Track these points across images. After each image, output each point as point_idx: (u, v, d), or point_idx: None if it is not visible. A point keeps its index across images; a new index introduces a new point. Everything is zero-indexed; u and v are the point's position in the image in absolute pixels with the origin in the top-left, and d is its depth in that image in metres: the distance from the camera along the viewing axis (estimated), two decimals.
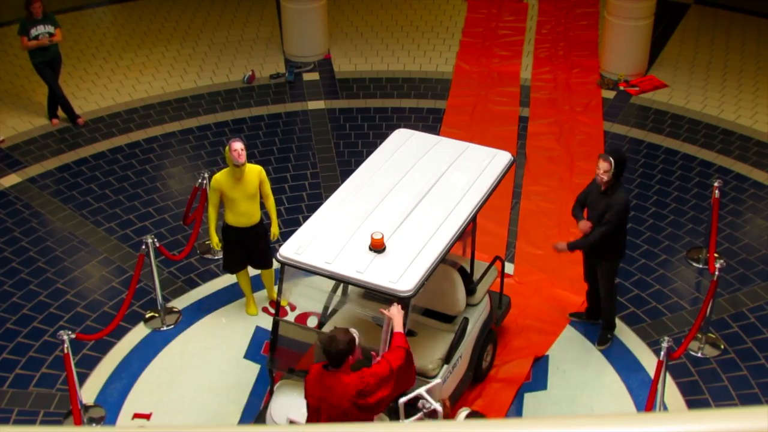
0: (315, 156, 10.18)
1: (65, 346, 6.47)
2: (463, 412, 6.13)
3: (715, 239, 8.07)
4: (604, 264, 7.17)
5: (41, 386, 7.29)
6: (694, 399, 7.09)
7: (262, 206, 7.51)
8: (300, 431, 6.02)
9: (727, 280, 8.14)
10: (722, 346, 7.56)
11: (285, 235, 7.79)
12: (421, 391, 5.70)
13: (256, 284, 8.10)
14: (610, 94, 11.33)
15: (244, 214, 7.35)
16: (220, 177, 7.27)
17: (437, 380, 5.94)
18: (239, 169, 7.16)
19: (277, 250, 5.98)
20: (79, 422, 6.64)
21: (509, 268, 8.34)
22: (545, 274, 8.33)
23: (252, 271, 7.99)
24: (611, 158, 6.81)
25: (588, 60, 12.04)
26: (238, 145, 7.07)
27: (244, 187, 7.25)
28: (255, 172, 7.30)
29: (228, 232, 7.48)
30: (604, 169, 6.82)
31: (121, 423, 6.91)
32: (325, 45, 12.40)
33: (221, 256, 8.60)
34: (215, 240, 7.57)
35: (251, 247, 7.56)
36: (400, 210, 6.22)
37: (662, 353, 6.37)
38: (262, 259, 7.69)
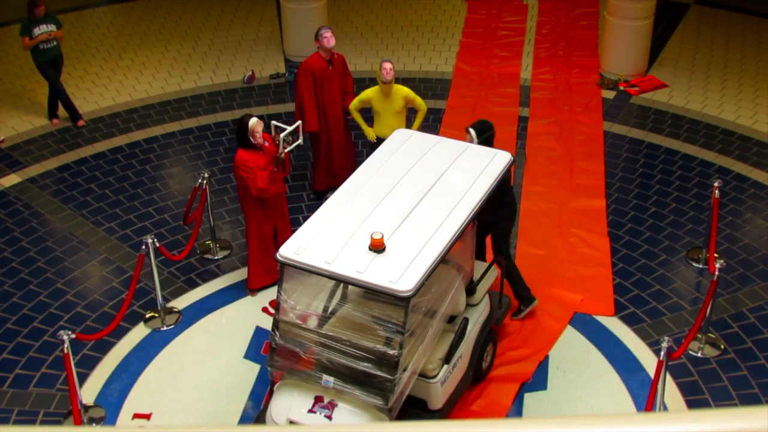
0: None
1: (65, 346, 6.47)
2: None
3: (715, 239, 8.06)
4: (494, 228, 7.39)
5: (41, 386, 7.29)
6: (694, 399, 7.09)
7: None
8: (300, 431, 6.03)
9: (727, 280, 8.14)
10: (722, 346, 7.56)
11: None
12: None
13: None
14: (610, 94, 11.33)
15: (390, 127, 7.98)
16: (370, 91, 8.40)
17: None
18: (386, 86, 8.19)
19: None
20: (79, 422, 6.64)
21: None
22: (545, 274, 8.33)
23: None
24: (472, 130, 7.27)
25: (588, 60, 12.04)
26: (387, 65, 8.11)
27: (390, 103, 8.27)
28: (402, 93, 8.29)
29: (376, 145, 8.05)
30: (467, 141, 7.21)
31: (121, 423, 6.90)
32: None
33: (221, 256, 8.62)
34: (370, 132, 8.59)
35: None
36: (400, 210, 6.21)
37: (662, 353, 6.37)
38: None
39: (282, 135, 7.42)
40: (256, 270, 8.04)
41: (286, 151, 7.48)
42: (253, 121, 7.38)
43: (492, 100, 11.19)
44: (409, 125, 8.40)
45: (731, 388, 7.17)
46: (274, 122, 7.68)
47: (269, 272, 8.07)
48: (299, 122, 7.65)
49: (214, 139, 10.56)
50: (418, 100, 8.39)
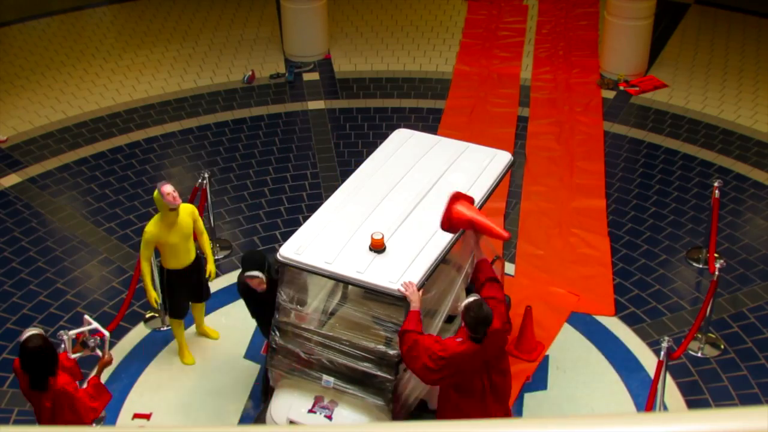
0: (315, 156, 10.18)
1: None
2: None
3: (715, 239, 8.07)
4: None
5: None
6: (694, 399, 7.09)
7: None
8: (300, 431, 6.03)
9: (727, 280, 8.14)
10: (722, 346, 7.56)
11: (285, 236, 7.79)
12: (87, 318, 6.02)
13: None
14: (610, 94, 11.33)
15: (185, 254, 7.01)
16: (154, 228, 6.80)
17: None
18: (174, 213, 6.76)
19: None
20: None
21: (509, 268, 8.34)
22: (545, 274, 8.34)
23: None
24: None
25: (588, 60, 12.04)
26: (169, 188, 6.63)
27: (180, 229, 6.87)
28: (188, 211, 6.94)
29: (171, 277, 7.10)
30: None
31: (121, 423, 6.91)
32: (325, 45, 12.40)
33: (222, 256, 8.61)
34: (153, 295, 7.09)
35: (195, 282, 7.24)
36: (400, 210, 6.22)
37: (662, 353, 6.37)
38: (200, 292, 7.38)
39: (71, 333, 6.10)
40: None
41: (74, 356, 6.08)
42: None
43: (491, 101, 11.19)
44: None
45: (731, 388, 7.17)
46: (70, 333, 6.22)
47: None
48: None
49: (214, 139, 10.56)
50: (200, 221, 7.16)
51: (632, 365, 7.38)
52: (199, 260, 7.25)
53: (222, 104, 11.27)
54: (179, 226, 6.86)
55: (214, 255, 8.62)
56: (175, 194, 6.66)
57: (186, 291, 7.27)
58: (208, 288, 7.47)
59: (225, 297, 8.20)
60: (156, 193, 6.68)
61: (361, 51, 12.54)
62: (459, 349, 5.40)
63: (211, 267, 7.18)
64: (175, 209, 6.75)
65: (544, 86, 11.50)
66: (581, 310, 7.92)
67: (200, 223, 7.13)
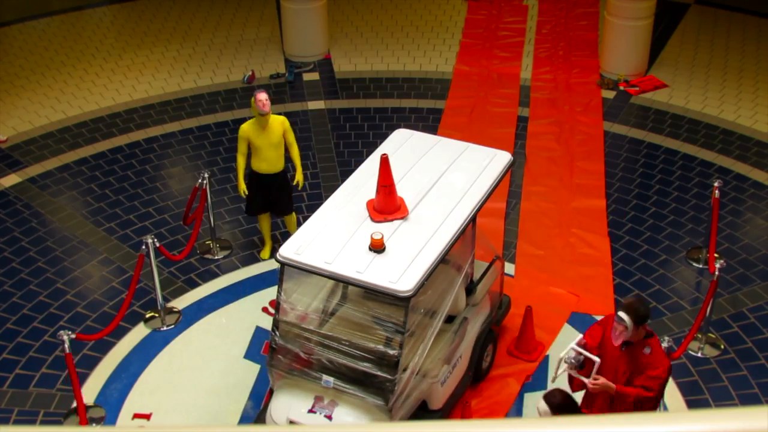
0: (315, 156, 10.18)
1: (65, 346, 6.47)
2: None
3: (715, 239, 8.06)
4: None
5: (41, 386, 7.29)
6: (694, 399, 7.09)
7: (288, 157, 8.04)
8: (300, 431, 6.03)
9: (727, 280, 8.14)
10: (722, 346, 7.56)
11: (285, 236, 7.80)
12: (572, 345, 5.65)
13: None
14: (610, 94, 11.33)
15: (269, 161, 7.88)
16: (246, 126, 7.81)
17: (578, 337, 5.75)
18: (264, 118, 7.68)
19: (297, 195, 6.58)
20: (84, 422, 6.65)
21: (509, 268, 8.34)
22: (545, 274, 8.34)
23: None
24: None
25: (588, 60, 12.04)
26: (263, 96, 7.57)
27: (268, 135, 7.77)
28: (279, 121, 7.82)
29: (252, 177, 8.03)
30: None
31: (121, 423, 6.91)
32: (325, 45, 12.40)
33: (222, 256, 8.62)
34: (242, 187, 8.00)
35: (274, 194, 8.11)
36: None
37: None
38: (283, 206, 8.25)
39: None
40: None
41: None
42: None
43: (491, 101, 11.19)
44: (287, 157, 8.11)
45: (731, 388, 7.18)
46: None
47: None
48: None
49: (214, 139, 10.56)
50: (292, 133, 7.98)
51: None
52: (286, 176, 8.17)
53: (222, 104, 11.27)
54: (268, 131, 7.79)
55: (214, 255, 8.65)
56: (267, 102, 7.59)
57: (262, 197, 8.11)
58: (291, 202, 8.34)
59: (225, 297, 8.21)
60: (252, 99, 7.66)
61: (361, 51, 12.54)
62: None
63: (298, 176, 8.07)
64: (264, 115, 7.67)
65: (544, 86, 11.50)
66: (581, 310, 7.92)
67: (290, 135, 7.95)
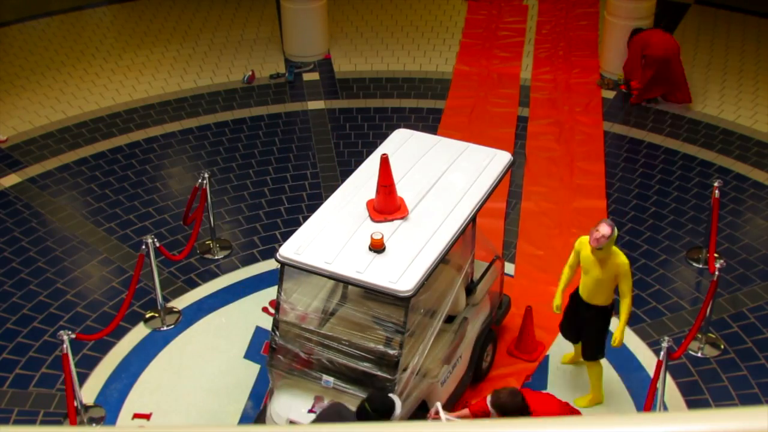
0: (315, 156, 10.19)
1: (65, 346, 6.47)
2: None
3: (715, 239, 8.07)
4: None
5: (41, 386, 7.29)
6: (694, 399, 7.09)
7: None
8: (300, 431, 6.03)
9: (727, 280, 8.14)
10: (722, 346, 7.56)
11: (285, 236, 7.79)
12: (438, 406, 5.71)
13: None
14: (610, 94, 11.33)
15: (587, 290, 6.69)
16: (586, 240, 6.56)
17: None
18: (598, 251, 6.42)
19: None
20: (74, 423, 6.63)
21: (509, 268, 8.34)
22: (545, 274, 8.34)
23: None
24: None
25: (588, 60, 12.04)
26: (604, 229, 6.29)
27: (598, 267, 6.55)
28: (616, 262, 6.50)
29: (572, 295, 6.92)
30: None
31: (121, 423, 6.91)
32: (325, 45, 12.40)
33: (222, 256, 8.62)
34: (557, 302, 6.85)
35: (582, 325, 6.88)
36: None
37: (662, 353, 6.37)
38: (585, 345, 6.91)
39: None
40: None
41: None
42: None
43: (491, 101, 11.19)
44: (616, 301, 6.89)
45: (731, 388, 7.18)
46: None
47: None
48: None
49: (214, 139, 10.56)
50: (627, 282, 6.58)
51: (632, 365, 7.38)
52: (602, 315, 6.80)
53: (222, 104, 11.27)
54: (601, 264, 6.53)
55: (214, 255, 8.65)
56: (602, 239, 6.29)
57: (571, 322, 6.96)
58: (594, 347, 6.90)
59: (225, 297, 8.21)
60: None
61: (361, 51, 12.54)
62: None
63: (617, 334, 6.68)
64: (597, 248, 6.40)
65: (544, 86, 11.50)
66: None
67: (624, 284, 6.61)
